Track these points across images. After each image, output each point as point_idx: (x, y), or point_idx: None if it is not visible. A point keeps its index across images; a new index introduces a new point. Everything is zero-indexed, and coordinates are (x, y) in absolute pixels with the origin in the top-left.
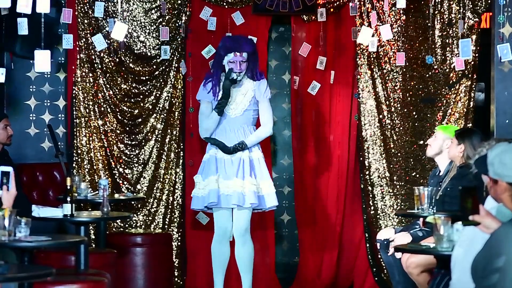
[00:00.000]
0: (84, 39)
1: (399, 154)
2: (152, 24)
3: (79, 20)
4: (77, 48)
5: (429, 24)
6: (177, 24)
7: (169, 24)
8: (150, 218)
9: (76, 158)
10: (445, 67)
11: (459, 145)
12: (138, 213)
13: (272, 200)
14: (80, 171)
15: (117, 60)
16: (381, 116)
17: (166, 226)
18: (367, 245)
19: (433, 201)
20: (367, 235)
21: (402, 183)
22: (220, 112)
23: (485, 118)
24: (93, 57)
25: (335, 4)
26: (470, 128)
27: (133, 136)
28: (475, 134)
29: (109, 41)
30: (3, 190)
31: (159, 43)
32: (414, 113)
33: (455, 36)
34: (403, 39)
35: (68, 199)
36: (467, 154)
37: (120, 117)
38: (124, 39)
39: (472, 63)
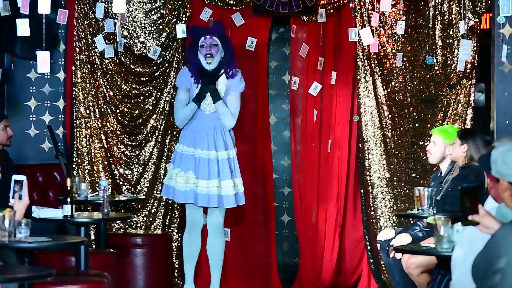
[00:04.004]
0: (84, 40)
1: (399, 155)
2: (152, 25)
3: (79, 21)
4: (77, 49)
5: (429, 25)
6: (176, 25)
7: (169, 25)
8: (150, 219)
9: (76, 159)
10: (445, 68)
11: (462, 145)
12: (138, 214)
13: (231, 201)
14: (80, 172)
15: (117, 61)
16: (381, 117)
17: (166, 227)
18: (367, 245)
19: (434, 202)
20: (367, 236)
21: (402, 184)
22: (198, 105)
23: (485, 118)
24: (93, 58)
25: (335, 5)
26: (473, 129)
27: (133, 137)
28: (478, 134)
29: (109, 42)
30: (15, 199)
31: (159, 43)
32: (414, 114)
33: (456, 37)
34: (403, 39)
35: (68, 200)
36: (471, 155)
37: (120, 118)
38: (124, 39)
39: (472, 64)
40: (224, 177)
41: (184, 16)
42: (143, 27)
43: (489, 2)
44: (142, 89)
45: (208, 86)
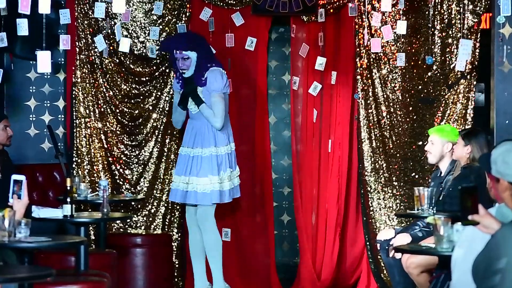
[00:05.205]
0: (84, 40)
1: (398, 155)
2: (152, 25)
3: (79, 20)
4: (77, 49)
5: (429, 25)
6: (176, 25)
7: (168, 25)
8: (150, 218)
9: (76, 159)
10: (445, 68)
11: (465, 146)
12: (138, 214)
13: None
14: (80, 172)
15: (117, 61)
16: (380, 117)
17: (166, 227)
18: (367, 245)
19: (433, 202)
20: (367, 236)
21: (402, 184)
22: (183, 108)
23: (485, 118)
24: (93, 58)
25: (335, 5)
26: (477, 129)
27: (133, 137)
28: (481, 134)
29: (109, 42)
30: (14, 199)
31: (159, 43)
32: (413, 113)
33: (455, 36)
34: (403, 39)
35: (68, 199)
36: (473, 155)
37: (120, 118)
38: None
39: (472, 64)
40: (200, 174)
41: (184, 16)
42: (143, 27)
43: (489, 2)
44: (142, 89)
45: (189, 91)
